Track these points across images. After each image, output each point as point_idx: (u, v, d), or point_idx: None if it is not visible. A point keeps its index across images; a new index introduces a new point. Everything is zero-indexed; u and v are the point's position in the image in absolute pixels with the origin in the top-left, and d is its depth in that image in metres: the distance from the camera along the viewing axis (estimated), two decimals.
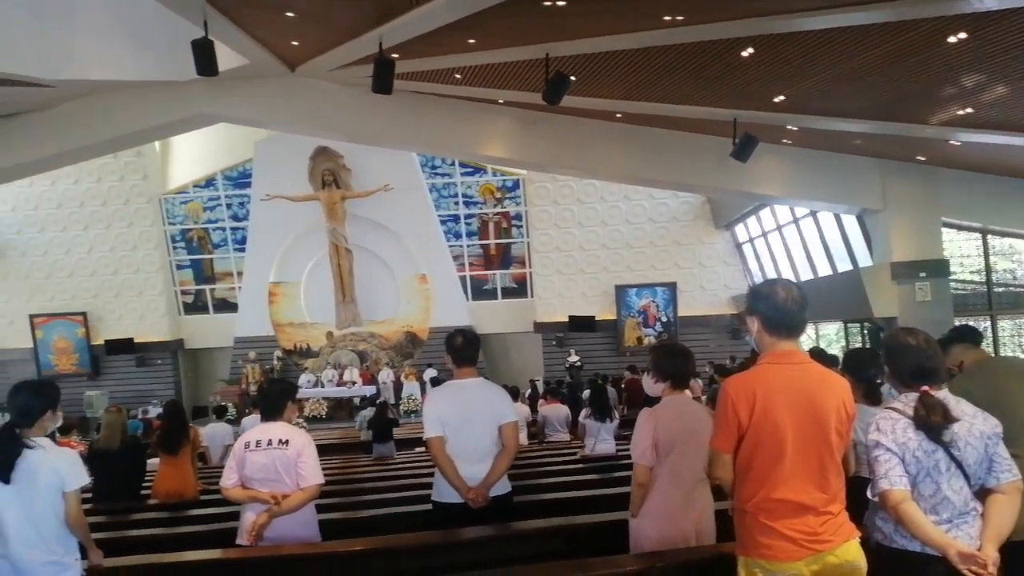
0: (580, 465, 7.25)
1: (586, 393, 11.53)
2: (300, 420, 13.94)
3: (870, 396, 3.64)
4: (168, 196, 20.34)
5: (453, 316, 18.74)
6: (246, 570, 3.65)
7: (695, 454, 3.15)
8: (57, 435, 5.42)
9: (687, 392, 3.59)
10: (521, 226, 20.38)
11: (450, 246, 20.37)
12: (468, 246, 20.62)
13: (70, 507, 3.14)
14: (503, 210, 20.38)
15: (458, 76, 9.95)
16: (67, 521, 3.14)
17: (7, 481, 3.04)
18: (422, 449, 10.36)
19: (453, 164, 19.84)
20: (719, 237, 19.58)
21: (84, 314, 19.92)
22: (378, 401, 11.52)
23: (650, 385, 3.39)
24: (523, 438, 8.75)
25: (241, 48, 9.31)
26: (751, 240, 18.63)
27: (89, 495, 5.70)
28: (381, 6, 7.68)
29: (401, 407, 17.59)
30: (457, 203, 20.31)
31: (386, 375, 19.11)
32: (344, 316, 19.87)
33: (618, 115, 11.14)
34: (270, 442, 3.68)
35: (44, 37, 9.73)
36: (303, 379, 18.89)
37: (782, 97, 9.13)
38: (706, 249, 19.61)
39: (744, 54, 7.71)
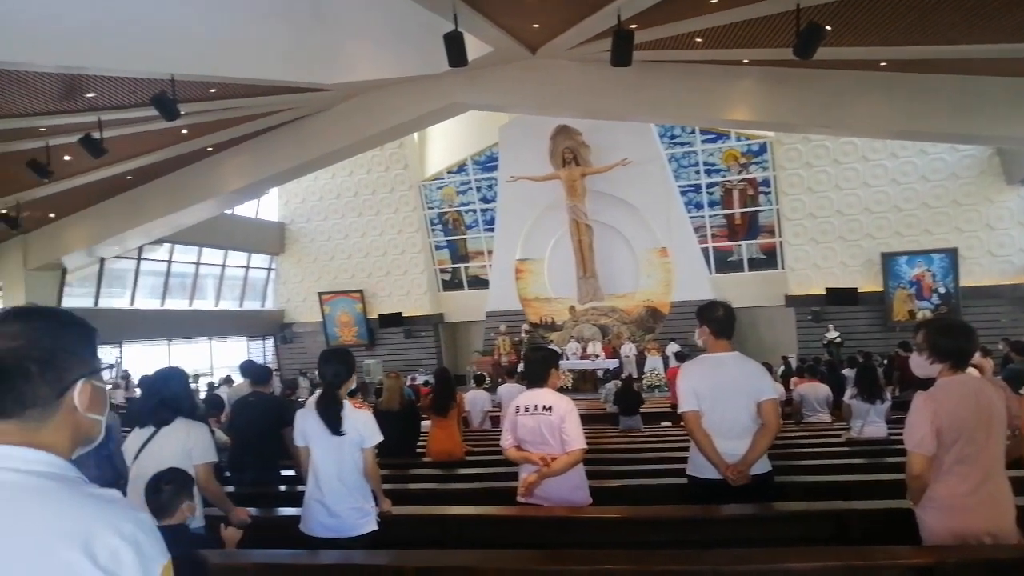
0: (845, 448, 6.73)
1: (847, 371, 10.66)
2: None
3: None
4: (426, 182, 22.22)
5: (695, 290, 18.20)
6: (510, 526, 3.89)
7: (988, 440, 2.78)
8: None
9: (971, 371, 3.15)
10: (769, 192, 19.20)
11: (691, 217, 19.79)
12: (710, 216, 19.90)
13: (368, 461, 3.59)
14: (748, 176, 19.33)
15: (699, 40, 9.60)
16: (365, 472, 3.59)
17: (338, 433, 3.51)
18: (668, 424, 10.31)
19: (693, 132, 19.19)
20: (1013, 194, 16.84)
21: (361, 291, 22.52)
22: (623, 375, 11.60)
23: (923, 366, 2.99)
24: None
25: (487, 36, 9.81)
26: None
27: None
28: None
29: (644, 381, 17.56)
30: (698, 172, 19.65)
31: (628, 349, 19.17)
32: (585, 291, 20.25)
33: (882, 63, 10.00)
34: (536, 407, 3.89)
35: (320, 46, 11.06)
36: None
37: None
38: (996, 209, 16.98)
39: None
